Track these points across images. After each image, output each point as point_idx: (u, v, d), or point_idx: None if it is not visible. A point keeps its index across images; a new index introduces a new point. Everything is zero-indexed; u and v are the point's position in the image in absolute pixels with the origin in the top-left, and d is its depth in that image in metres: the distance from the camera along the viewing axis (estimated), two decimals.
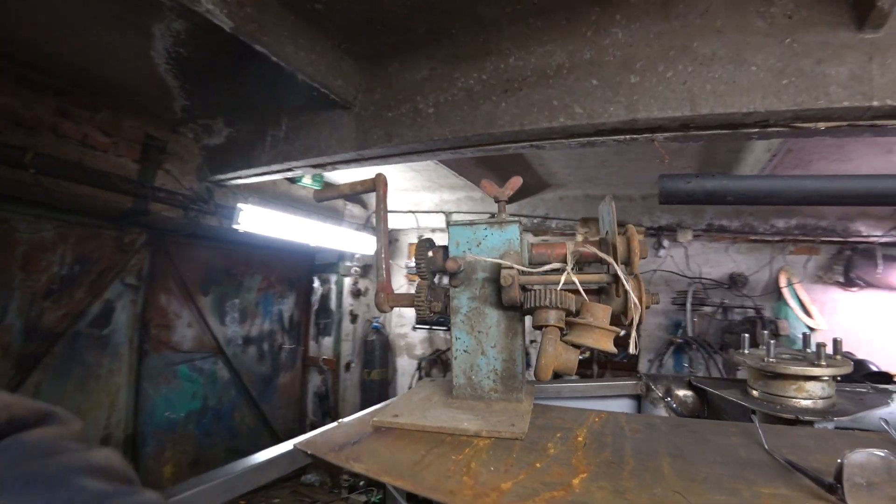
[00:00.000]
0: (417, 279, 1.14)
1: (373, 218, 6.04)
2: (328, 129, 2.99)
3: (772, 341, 1.28)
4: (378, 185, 1.23)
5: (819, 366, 1.24)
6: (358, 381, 6.15)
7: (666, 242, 4.82)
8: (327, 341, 6.09)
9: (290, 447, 0.91)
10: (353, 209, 5.84)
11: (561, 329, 0.97)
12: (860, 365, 4.44)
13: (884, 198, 2.00)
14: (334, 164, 3.14)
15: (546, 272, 1.02)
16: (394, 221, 5.94)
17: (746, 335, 1.44)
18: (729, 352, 4.29)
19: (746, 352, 1.43)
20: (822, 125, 1.95)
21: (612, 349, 0.94)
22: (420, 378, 6.05)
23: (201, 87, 3.32)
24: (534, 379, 1.08)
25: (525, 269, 1.00)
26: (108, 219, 4.01)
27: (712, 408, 1.56)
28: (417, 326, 6.17)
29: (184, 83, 3.24)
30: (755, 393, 1.35)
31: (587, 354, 4.86)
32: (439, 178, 4.92)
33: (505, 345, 1.07)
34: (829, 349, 1.35)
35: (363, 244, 5.62)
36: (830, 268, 4.63)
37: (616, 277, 0.99)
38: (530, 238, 1.13)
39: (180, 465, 4.85)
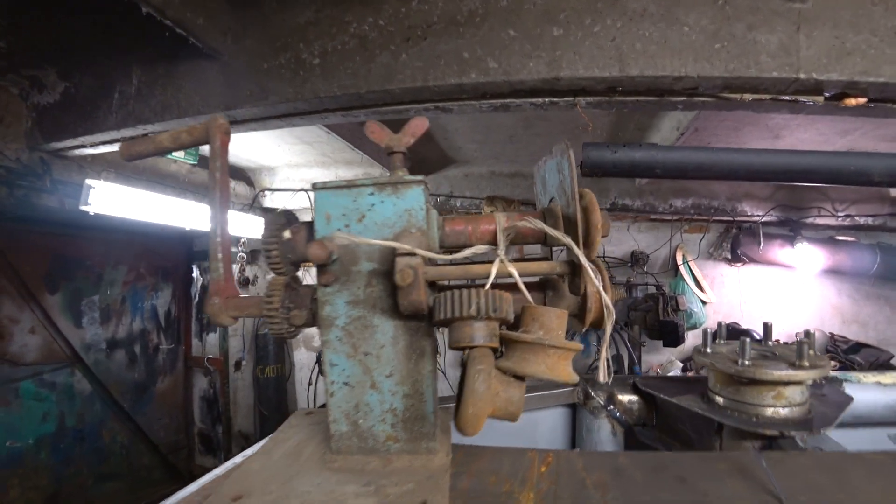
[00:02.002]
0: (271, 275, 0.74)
1: (261, 198, 5.34)
2: (190, 83, 2.40)
3: (746, 339, 1.06)
4: (213, 132, 0.81)
5: (804, 367, 1.03)
6: (251, 381, 5.51)
7: None
8: (212, 338, 5.34)
9: None
10: (237, 187, 5.12)
11: (494, 350, 0.63)
12: (745, 335, 4.81)
13: (806, 173, 1.95)
14: None
15: (467, 260, 0.67)
16: (285, 200, 5.32)
17: (708, 330, 1.22)
18: (634, 328, 4.37)
19: (709, 350, 1.20)
20: (748, 96, 1.84)
21: (573, 377, 0.63)
22: (321, 371, 5.53)
23: (23, 24, 2.53)
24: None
25: (435, 255, 0.64)
26: None
27: (663, 415, 1.33)
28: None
29: None
30: (720, 400, 1.13)
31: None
32: (334, 153, 4.41)
33: (407, 372, 0.71)
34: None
35: (249, 227, 4.96)
36: (720, 245, 4.91)
37: (574, 266, 0.67)
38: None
39: (33, 503, 3.98)
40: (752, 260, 4.78)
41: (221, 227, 0.82)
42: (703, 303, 4.84)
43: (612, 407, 1.34)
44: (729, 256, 4.87)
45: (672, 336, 4.08)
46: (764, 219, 4.68)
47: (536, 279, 0.75)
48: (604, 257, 4.97)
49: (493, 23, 1.79)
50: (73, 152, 3.35)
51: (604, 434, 1.40)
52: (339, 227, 0.70)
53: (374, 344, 0.70)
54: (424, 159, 4.54)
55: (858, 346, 4.28)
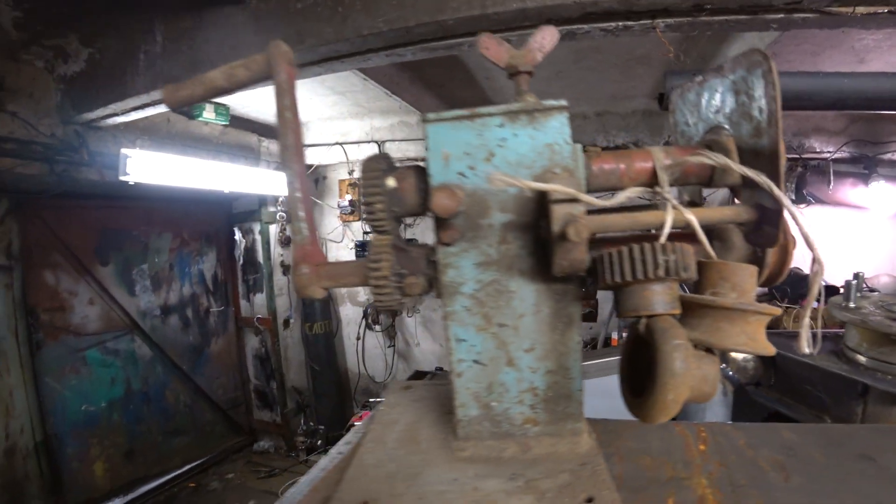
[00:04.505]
0: (372, 236, 0.60)
1: None
2: (219, 34, 2.25)
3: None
4: (276, 62, 0.66)
5: None
6: (300, 337, 5.62)
7: None
8: (259, 298, 5.42)
9: None
10: (271, 145, 5.01)
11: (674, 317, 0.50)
12: (807, 280, 4.52)
13: None
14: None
15: (626, 206, 0.53)
16: (320, 156, 5.18)
17: (853, 282, 1.05)
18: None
19: (852, 304, 1.04)
20: (862, 9, 1.56)
21: (772, 349, 0.51)
22: (367, 326, 5.59)
23: None
24: None
25: (597, 201, 0.50)
26: None
27: (783, 374, 1.18)
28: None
29: None
30: (863, 360, 0.98)
31: None
32: (368, 102, 4.21)
33: (551, 345, 0.58)
34: None
35: (286, 185, 4.89)
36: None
37: (763, 211, 0.52)
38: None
39: (112, 459, 4.28)
40: (820, 201, 4.41)
41: (301, 179, 0.69)
42: None
43: (724, 365, 1.21)
44: (793, 197, 4.50)
45: None
46: (835, 155, 4.26)
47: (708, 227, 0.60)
48: None
49: None
50: (105, 122, 3.29)
51: None
52: (460, 168, 0.55)
53: (510, 314, 0.58)
54: (464, 102, 4.28)
55: None
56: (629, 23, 1.70)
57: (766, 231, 0.54)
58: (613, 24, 1.70)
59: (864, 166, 4.24)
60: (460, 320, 0.59)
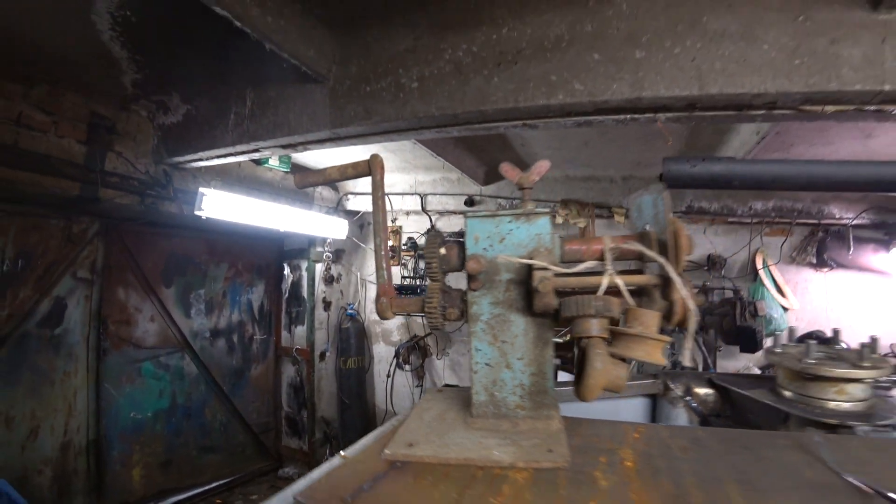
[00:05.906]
0: (429, 281, 0.97)
1: (344, 201, 5.77)
2: (299, 105, 2.75)
3: (811, 342, 1.20)
4: (374, 168, 1.06)
5: (863, 367, 1.16)
6: (334, 371, 5.95)
7: None
8: (300, 330, 5.83)
9: (290, 499, 0.75)
10: (324, 191, 5.56)
11: (604, 339, 0.83)
12: (830, 342, 4.60)
13: (891, 185, 1.94)
14: (306, 144, 2.90)
15: (582, 273, 0.87)
16: (367, 203, 5.69)
17: (781, 334, 1.36)
18: (710, 332, 4.32)
19: (779, 350, 1.34)
20: (830, 108, 1.88)
21: (663, 361, 0.82)
22: (398, 365, 5.89)
23: (154, 59, 2.99)
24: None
25: (561, 269, 0.85)
26: (54, 207, 3.63)
27: (736, 407, 1.48)
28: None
29: (133, 54, 2.89)
30: (787, 394, 1.27)
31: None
32: (415, 159, 4.70)
33: (534, 356, 0.92)
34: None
35: (334, 228, 5.38)
36: (804, 249, 4.70)
37: (665, 278, 0.85)
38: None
39: (150, 467, 4.58)
40: (841, 265, 4.54)
41: (385, 244, 1.06)
42: (785, 309, 4.67)
43: (689, 398, 1.49)
44: (814, 261, 4.64)
45: (749, 342, 4.00)
46: (854, 221, 4.44)
47: (634, 287, 0.93)
48: None
49: (578, 48, 1.96)
50: (189, 165, 3.85)
51: (681, 422, 1.56)
52: (484, 245, 0.92)
53: (509, 334, 0.92)
54: (501, 163, 4.71)
55: None
56: (636, 115, 2.06)
57: (666, 291, 0.87)
58: (622, 116, 2.07)
59: (885, 232, 4.36)
60: (479, 337, 0.94)
